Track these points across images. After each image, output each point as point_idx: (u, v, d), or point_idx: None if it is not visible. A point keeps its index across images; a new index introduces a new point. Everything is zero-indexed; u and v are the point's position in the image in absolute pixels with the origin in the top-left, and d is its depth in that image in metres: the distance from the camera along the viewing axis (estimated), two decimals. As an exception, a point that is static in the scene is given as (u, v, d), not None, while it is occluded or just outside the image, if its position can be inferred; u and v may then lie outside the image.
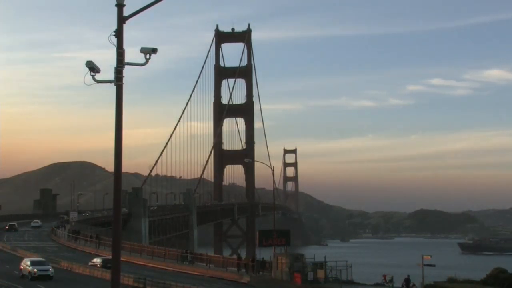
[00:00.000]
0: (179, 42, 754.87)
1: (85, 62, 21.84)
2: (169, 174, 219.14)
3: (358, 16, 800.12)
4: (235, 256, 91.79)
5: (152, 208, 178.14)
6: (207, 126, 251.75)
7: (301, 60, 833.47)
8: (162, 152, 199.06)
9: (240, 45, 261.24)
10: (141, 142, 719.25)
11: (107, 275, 58.04)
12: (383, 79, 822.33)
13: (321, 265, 66.57)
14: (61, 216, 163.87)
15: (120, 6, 22.07)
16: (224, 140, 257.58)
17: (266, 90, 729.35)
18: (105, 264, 68.48)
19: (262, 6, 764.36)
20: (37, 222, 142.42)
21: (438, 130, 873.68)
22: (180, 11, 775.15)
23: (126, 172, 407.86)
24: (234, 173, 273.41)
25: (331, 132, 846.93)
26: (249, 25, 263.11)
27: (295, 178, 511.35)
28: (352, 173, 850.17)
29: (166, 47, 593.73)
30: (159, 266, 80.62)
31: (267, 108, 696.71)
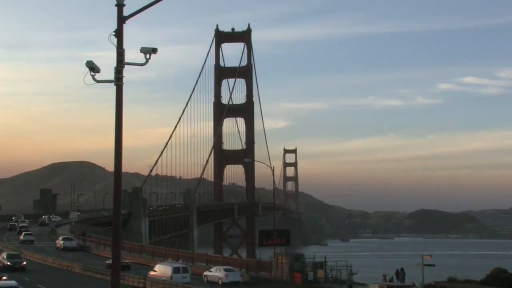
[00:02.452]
0: (181, 43, 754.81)
1: (86, 62, 21.85)
2: (169, 174, 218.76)
3: (396, 13, 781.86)
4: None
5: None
6: (207, 126, 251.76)
7: (331, 58, 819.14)
8: (162, 152, 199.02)
9: (240, 45, 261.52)
10: (141, 142, 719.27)
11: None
12: (415, 77, 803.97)
13: (321, 265, 66.58)
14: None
15: (120, 6, 22.04)
16: (224, 140, 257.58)
17: (287, 90, 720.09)
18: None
19: (293, 5, 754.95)
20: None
21: (458, 129, 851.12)
22: (181, 11, 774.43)
23: (126, 172, 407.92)
24: (234, 173, 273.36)
25: (345, 131, 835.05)
26: (249, 25, 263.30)
27: (295, 178, 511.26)
28: (352, 173, 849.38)
29: (167, 47, 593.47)
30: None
31: (289, 107, 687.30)
